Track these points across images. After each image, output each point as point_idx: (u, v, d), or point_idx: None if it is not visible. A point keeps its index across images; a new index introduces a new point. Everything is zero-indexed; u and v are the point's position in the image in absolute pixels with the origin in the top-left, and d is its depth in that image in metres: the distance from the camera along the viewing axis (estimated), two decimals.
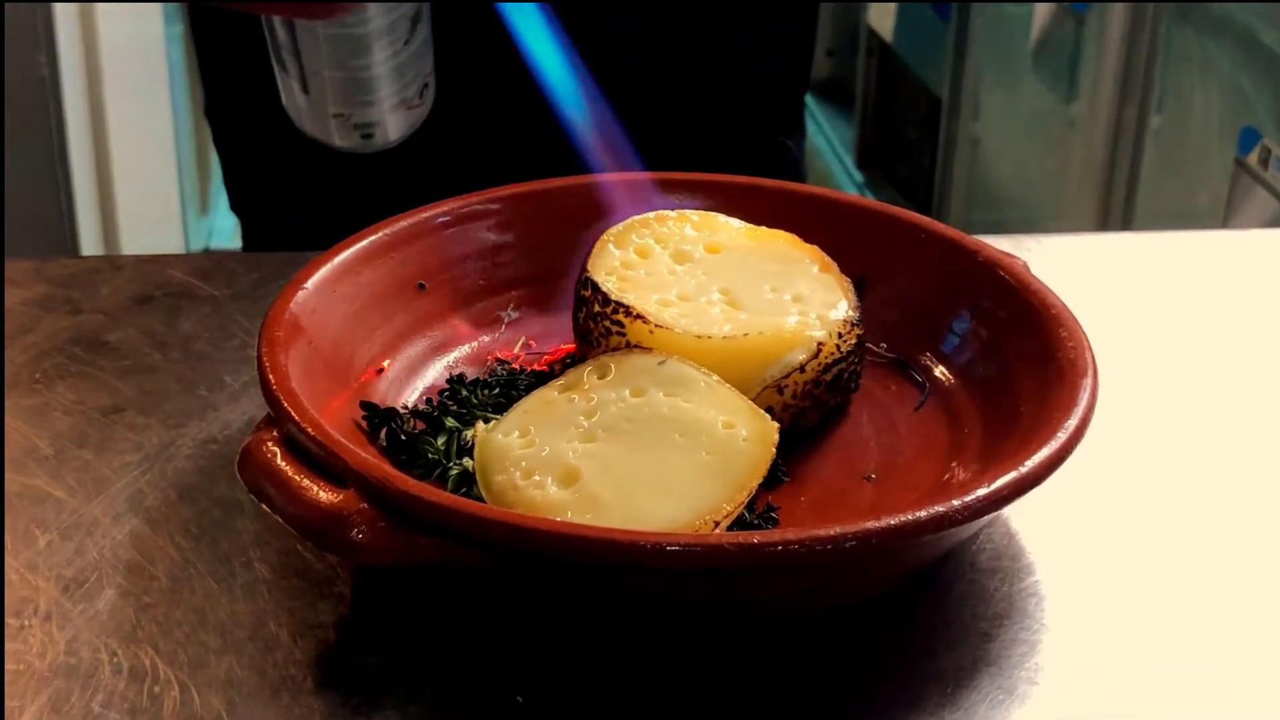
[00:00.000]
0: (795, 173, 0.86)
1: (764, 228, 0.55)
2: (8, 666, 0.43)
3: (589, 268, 0.52)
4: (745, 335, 0.50)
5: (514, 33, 0.56)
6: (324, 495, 0.42)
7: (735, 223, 0.55)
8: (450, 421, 0.50)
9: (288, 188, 0.83)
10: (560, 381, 0.49)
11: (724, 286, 0.53)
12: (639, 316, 0.50)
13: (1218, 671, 0.44)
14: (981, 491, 0.42)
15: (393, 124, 0.59)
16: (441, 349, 0.55)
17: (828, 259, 0.54)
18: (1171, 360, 0.60)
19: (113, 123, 2.18)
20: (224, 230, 2.92)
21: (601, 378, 0.49)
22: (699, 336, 0.50)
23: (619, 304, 0.50)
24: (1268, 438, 0.56)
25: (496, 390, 0.53)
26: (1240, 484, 0.53)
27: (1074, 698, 0.43)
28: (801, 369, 0.50)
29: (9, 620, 0.45)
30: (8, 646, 0.44)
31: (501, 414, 0.49)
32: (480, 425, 0.48)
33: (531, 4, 0.56)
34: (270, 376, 0.46)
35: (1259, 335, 0.63)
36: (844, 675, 0.44)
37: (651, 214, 0.55)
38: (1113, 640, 0.45)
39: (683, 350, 0.49)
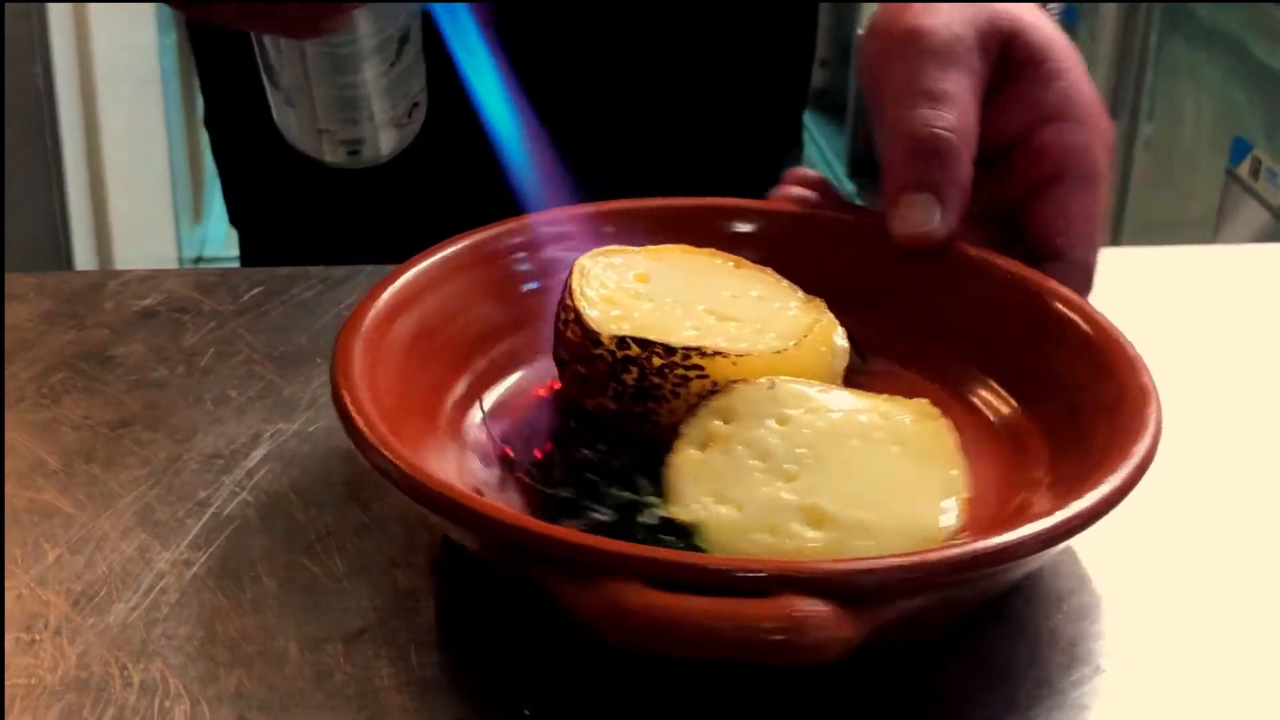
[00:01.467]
0: None
1: (673, 246, 0.55)
2: (19, 681, 0.44)
3: (614, 330, 0.50)
4: (805, 336, 0.50)
5: (455, 56, 0.56)
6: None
7: (635, 251, 0.54)
8: (607, 504, 0.47)
9: (287, 200, 0.84)
10: (689, 439, 0.48)
11: (701, 306, 0.52)
12: (716, 353, 0.49)
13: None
14: (1080, 507, 0.43)
15: (383, 141, 0.60)
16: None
17: (742, 259, 0.55)
18: (1166, 377, 0.61)
19: (106, 131, 2.19)
20: (217, 239, 2.92)
21: (727, 422, 0.48)
22: (777, 352, 0.49)
23: (688, 349, 0.49)
24: (1269, 452, 0.56)
25: (607, 453, 0.49)
26: (1241, 497, 0.54)
27: None
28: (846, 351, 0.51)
29: (19, 635, 0.45)
30: (19, 661, 0.44)
31: (635, 485, 0.47)
32: (685, 508, 0.46)
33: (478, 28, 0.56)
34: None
35: (1251, 351, 0.64)
36: (897, 706, 0.44)
37: (583, 259, 0.53)
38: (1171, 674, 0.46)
39: (768, 370, 0.49)
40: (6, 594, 0.47)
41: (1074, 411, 0.50)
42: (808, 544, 0.44)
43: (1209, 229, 1.95)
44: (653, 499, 0.46)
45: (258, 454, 0.54)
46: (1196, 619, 0.48)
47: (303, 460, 0.54)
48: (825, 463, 0.46)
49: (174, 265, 2.60)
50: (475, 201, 0.60)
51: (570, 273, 0.51)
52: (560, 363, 0.51)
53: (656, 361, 0.48)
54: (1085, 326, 0.52)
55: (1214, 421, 0.58)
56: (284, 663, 0.45)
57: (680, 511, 0.45)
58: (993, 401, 0.54)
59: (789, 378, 0.48)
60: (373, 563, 0.49)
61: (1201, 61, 2.11)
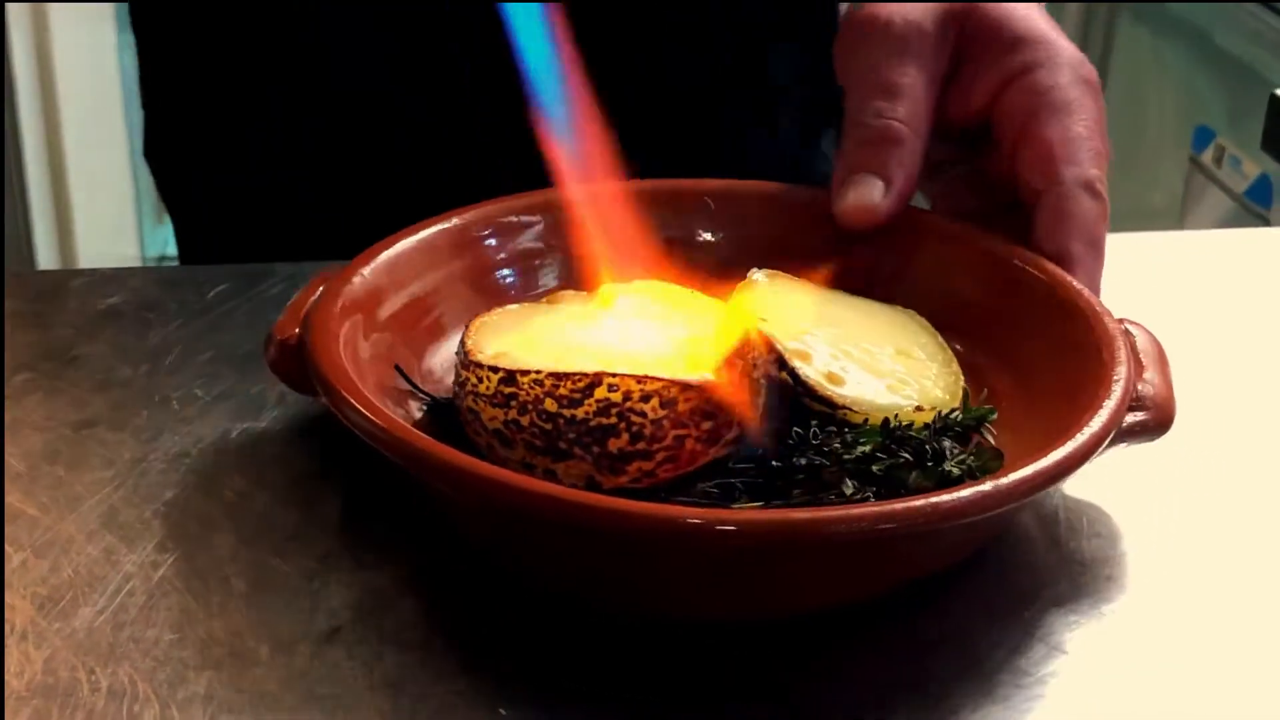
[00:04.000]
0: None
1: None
2: None
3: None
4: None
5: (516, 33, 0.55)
6: None
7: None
8: None
9: (237, 215, 0.82)
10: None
11: (652, 314, 0.52)
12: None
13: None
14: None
15: None
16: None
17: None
18: None
19: (67, 131, 2.17)
20: None
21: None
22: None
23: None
24: (1243, 436, 0.56)
25: None
26: (1214, 481, 0.53)
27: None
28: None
29: None
30: None
31: None
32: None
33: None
34: None
35: (1218, 333, 0.64)
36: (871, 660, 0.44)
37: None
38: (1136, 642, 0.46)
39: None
40: None
41: (1036, 371, 0.51)
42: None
43: (1174, 217, 1.96)
44: None
45: (225, 453, 0.53)
46: (1176, 610, 0.47)
47: (271, 459, 0.53)
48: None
49: (138, 265, 2.58)
50: (434, 195, 0.59)
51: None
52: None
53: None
54: (1048, 284, 0.53)
55: (1185, 403, 0.58)
56: (254, 664, 0.44)
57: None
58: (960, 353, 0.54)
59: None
60: (344, 562, 0.48)
61: (1164, 50, 2.11)
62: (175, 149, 0.84)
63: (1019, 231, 0.56)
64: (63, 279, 0.64)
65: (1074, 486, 0.52)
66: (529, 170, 0.57)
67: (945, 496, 0.42)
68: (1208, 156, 1.89)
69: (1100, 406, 0.46)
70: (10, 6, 1.91)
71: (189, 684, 0.43)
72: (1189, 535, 0.51)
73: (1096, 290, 0.54)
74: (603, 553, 0.44)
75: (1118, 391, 0.47)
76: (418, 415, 0.51)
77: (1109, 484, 0.53)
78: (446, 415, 0.50)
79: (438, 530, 0.49)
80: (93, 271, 0.64)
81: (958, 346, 0.54)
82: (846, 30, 0.60)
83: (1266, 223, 1.71)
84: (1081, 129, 0.57)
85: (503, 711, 0.43)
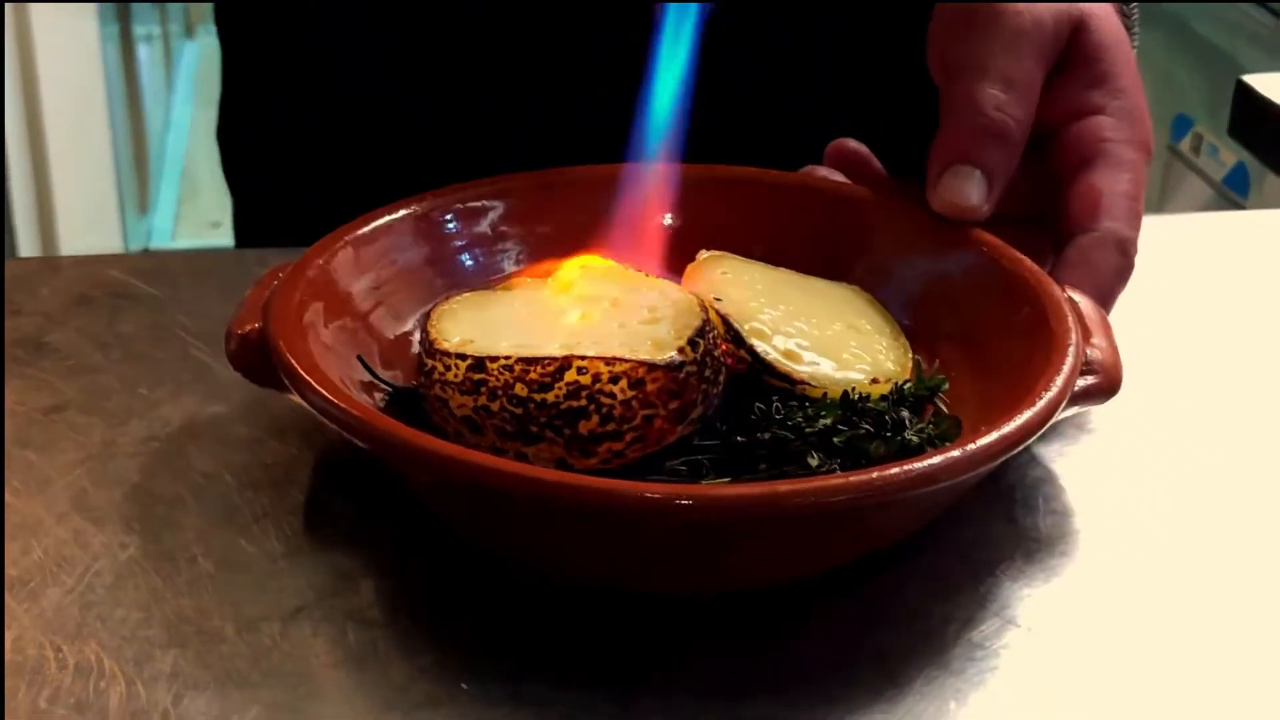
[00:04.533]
0: None
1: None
2: None
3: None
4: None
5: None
6: None
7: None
8: None
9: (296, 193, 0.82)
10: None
11: (610, 297, 0.52)
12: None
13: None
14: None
15: None
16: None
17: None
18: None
19: (50, 123, 2.17)
20: (163, 230, 2.91)
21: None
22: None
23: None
24: (1218, 422, 0.57)
25: None
26: (1185, 463, 0.54)
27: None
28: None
29: None
30: None
31: None
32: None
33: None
34: None
35: (1197, 315, 0.64)
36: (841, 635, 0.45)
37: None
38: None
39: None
40: None
41: (985, 341, 0.52)
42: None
43: (1153, 204, 1.97)
44: None
45: (192, 437, 0.54)
46: (1129, 583, 0.48)
47: (238, 443, 0.53)
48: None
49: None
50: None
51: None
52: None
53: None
54: (1002, 264, 0.54)
55: (1163, 385, 0.59)
56: (220, 642, 0.45)
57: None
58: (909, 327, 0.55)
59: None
60: (309, 544, 0.49)
61: (1144, 40, 2.12)
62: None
63: (1014, 238, 0.56)
64: (35, 267, 0.64)
65: (1028, 462, 0.53)
66: (529, 168, 0.57)
67: (921, 462, 0.43)
68: (1186, 145, 1.90)
69: (1057, 371, 0.47)
70: None
71: (155, 661, 0.44)
72: (1143, 510, 0.52)
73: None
74: (575, 530, 0.44)
75: (1070, 357, 0.48)
76: (381, 405, 0.51)
77: (1064, 459, 0.53)
78: (410, 403, 0.51)
79: (401, 513, 0.50)
80: (63, 260, 0.65)
81: (905, 321, 0.55)
82: (953, 13, 0.59)
83: (1243, 209, 1.72)
84: (1130, 188, 0.57)
85: (464, 686, 0.43)
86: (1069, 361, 0.48)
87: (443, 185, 0.58)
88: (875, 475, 0.43)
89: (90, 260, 0.65)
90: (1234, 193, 1.77)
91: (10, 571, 0.47)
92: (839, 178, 0.61)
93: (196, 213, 3.03)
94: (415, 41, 0.76)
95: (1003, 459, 0.45)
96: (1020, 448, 0.46)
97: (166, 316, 0.61)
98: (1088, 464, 0.54)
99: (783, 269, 0.57)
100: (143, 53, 2.95)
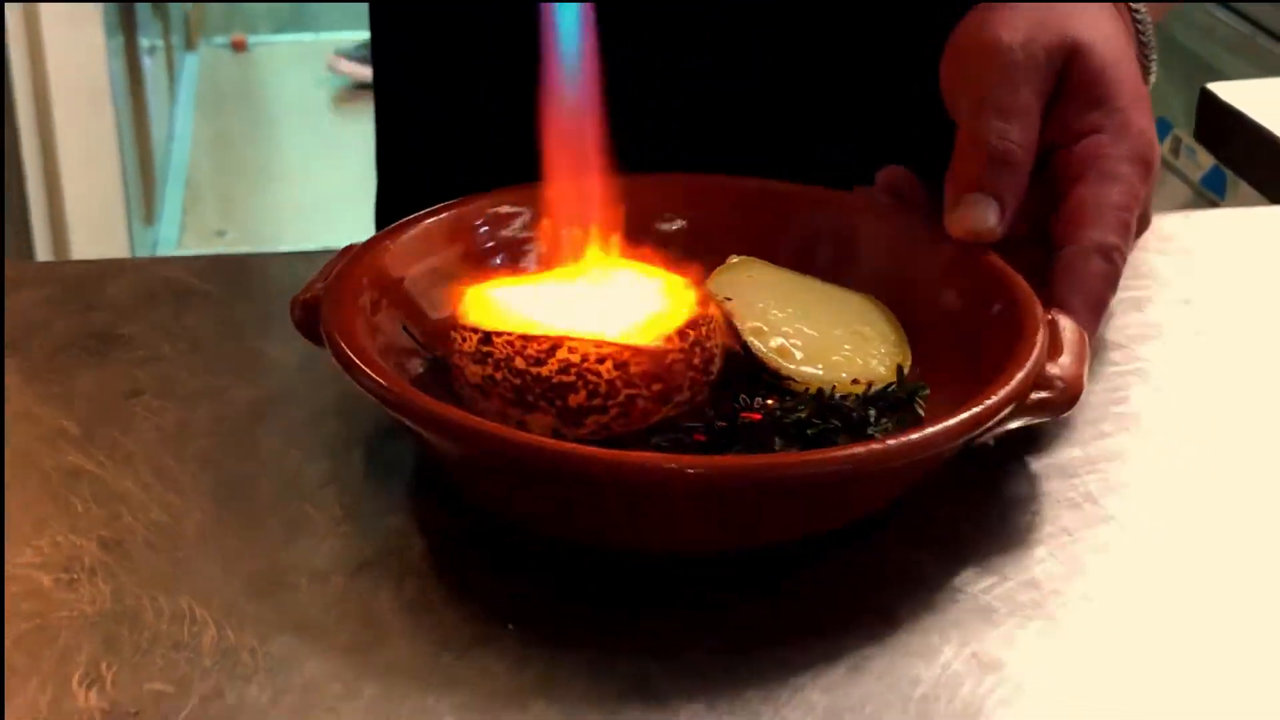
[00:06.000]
0: None
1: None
2: (63, 615, 0.50)
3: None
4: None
5: None
6: None
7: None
8: None
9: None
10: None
11: (620, 288, 0.59)
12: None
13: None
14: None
15: None
16: None
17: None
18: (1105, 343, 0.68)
19: (60, 136, 2.23)
20: (169, 240, 2.96)
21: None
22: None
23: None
24: (1203, 423, 0.63)
25: None
26: (1166, 453, 0.61)
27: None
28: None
29: (59, 575, 0.51)
30: (61, 597, 0.50)
31: None
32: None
33: None
34: None
35: (1175, 307, 0.70)
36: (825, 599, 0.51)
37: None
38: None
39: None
40: (43, 541, 0.53)
41: (974, 353, 0.58)
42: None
43: None
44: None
45: (258, 418, 0.60)
46: (1105, 542, 0.55)
47: (299, 422, 0.60)
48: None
49: None
50: None
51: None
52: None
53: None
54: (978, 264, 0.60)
55: (1146, 377, 0.65)
56: (295, 593, 0.51)
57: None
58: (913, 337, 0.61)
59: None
60: (367, 509, 0.55)
61: (1156, 48, 2.19)
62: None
63: (1021, 264, 0.61)
64: (103, 268, 0.71)
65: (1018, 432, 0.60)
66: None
67: (813, 456, 0.50)
68: (1166, 147, 1.96)
69: (1003, 385, 0.53)
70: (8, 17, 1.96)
71: (240, 609, 0.50)
72: (1120, 479, 0.58)
73: (1090, 347, 0.58)
74: (538, 486, 0.51)
75: (1021, 374, 0.53)
76: (419, 371, 0.57)
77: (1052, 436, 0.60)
78: (442, 371, 0.57)
79: (443, 481, 0.56)
80: (127, 261, 0.71)
81: (912, 331, 0.61)
82: (961, 51, 0.65)
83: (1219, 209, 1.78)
84: (1118, 198, 0.62)
85: (510, 626, 0.50)
86: (1018, 378, 0.53)
87: (457, 184, 0.65)
88: (766, 463, 0.50)
89: (153, 262, 0.71)
90: (1212, 193, 1.84)
91: (105, 534, 0.53)
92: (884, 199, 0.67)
93: (200, 222, 3.09)
94: (429, 41, 0.80)
95: (915, 457, 0.51)
96: (933, 451, 0.51)
97: (227, 311, 0.67)
98: (1075, 439, 0.60)
99: (808, 277, 0.63)
100: (147, 64, 3.00)
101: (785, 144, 0.81)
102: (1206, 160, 1.83)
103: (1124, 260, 0.62)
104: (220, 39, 3.99)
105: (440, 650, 0.49)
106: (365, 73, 3.67)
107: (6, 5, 2.00)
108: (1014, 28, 0.63)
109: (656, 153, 0.65)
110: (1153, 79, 0.72)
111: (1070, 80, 0.64)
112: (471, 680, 0.48)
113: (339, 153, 3.35)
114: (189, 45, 3.86)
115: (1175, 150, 1.92)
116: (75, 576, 0.51)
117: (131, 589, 0.51)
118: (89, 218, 2.37)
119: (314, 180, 3.26)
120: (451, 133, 0.82)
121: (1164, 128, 1.97)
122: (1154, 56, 0.71)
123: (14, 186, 2.05)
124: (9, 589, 0.51)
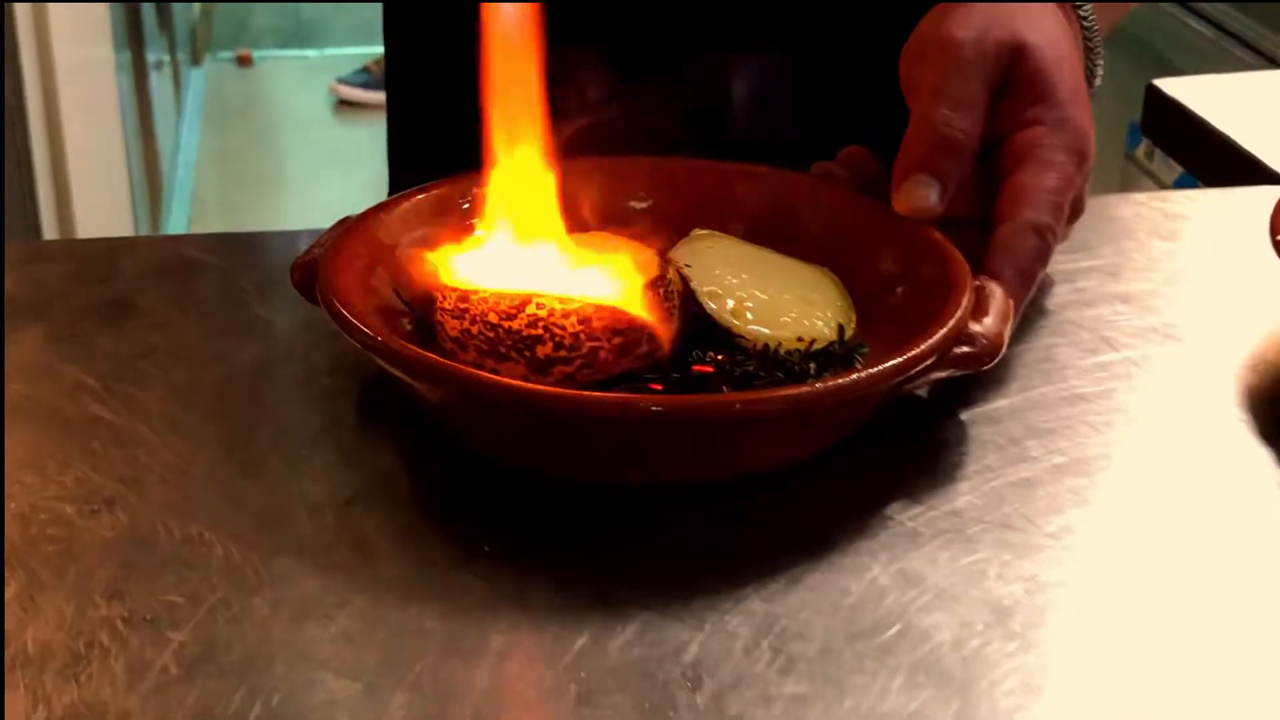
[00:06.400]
0: None
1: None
2: (88, 540, 0.56)
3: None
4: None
5: None
6: None
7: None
8: None
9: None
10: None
11: (591, 253, 0.64)
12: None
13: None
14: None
15: None
16: None
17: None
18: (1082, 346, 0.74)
19: (69, 149, 2.29)
20: None
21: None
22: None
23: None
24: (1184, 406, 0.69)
25: None
26: (1146, 450, 0.67)
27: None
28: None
29: (81, 506, 0.57)
30: (85, 524, 0.56)
31: None
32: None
33: None
34: None
35: (1153, 300, 0.76)
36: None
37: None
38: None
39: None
40: (66, 478, 0.59)
41: (912, 317, 0.63)
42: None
43: (1114, 204, 2.09)
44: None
45: (261, 375, 0.66)
46: (1040, 479, 0.61)
47: (298, 379, 0.66)
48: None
49: None
50: None
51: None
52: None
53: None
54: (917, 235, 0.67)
55: (1076, 340, 0.71)
56: (295, 522, 0.57)
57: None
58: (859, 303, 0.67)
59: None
60: (357, 453, 0.61)
61: (1104, 57, 2.25)
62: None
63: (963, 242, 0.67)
64: (117, 245, 0.77)
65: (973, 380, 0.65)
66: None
67: (751, 395, 0.58)
68: (1140, 152, 2.02)
69: (927, 339, 0.59)
70: (13, 20, 2.02)
71: (246, 535, 0.56)
72: (1046, 426, 0.64)
73: (1017, 312, 0.65)
74: (510, 423, 0.58)
75: (944, 330, 0.59)
76: (408, 329, 0.64)
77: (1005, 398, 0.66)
78: (427, 329, 0.63)
79: (425, 429, 0.62)
80: (140, 240, 0.77)
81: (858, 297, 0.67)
82: (919, 45, 0.70)
83: None
84: (1052, 183, 0.67)
85: (487, 549, 0.56)
86: (935, 339, 0.59)
87: (449, 162, 0.70)
88: (710, 401, 0.57)
89: (165, 239, 0.77)
90: None
91: (124, 471, 0.59)
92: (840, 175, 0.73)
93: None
94: (441, 50, 0.84)
95: (843, 400, 0.57)
96: (854, 395, 0.57)
97: (233, 283, 0.73)
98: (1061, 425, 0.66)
99: (766, 249, 0.69)
100: (153, 79, 3.07)
101: (785, 144, 0.87)
102: (1180, 165, 1.89)
103: (1055, 239, 0.68)
104: (226, 54, 4.07)
105: (425, 569, 0.55)
106: (366, 97, 3.75)
107: (19, 23, 2.06)
108: (967, 26, 0.69)
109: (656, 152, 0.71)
110: (1098, 81, 0.79)
111: (1015, 76, 0.70)
112: (452, 594, 0.54)
113: (343, 166, 3.43)
114: (195, 60, 3.94)
115: (1150, 154, 1.98)
116: (96, 508, 0.57)
117: (147, 517, 0.57)
118: (97, 229, 2.43)
119: (318, 193, 3.33)
120: (464, 140, 0.87)
121: (1138, 133, 2.03)
122: (1100, 60, 0.77)
123: (25, 196, 2.11)
124: (38, 518, 0.57)
